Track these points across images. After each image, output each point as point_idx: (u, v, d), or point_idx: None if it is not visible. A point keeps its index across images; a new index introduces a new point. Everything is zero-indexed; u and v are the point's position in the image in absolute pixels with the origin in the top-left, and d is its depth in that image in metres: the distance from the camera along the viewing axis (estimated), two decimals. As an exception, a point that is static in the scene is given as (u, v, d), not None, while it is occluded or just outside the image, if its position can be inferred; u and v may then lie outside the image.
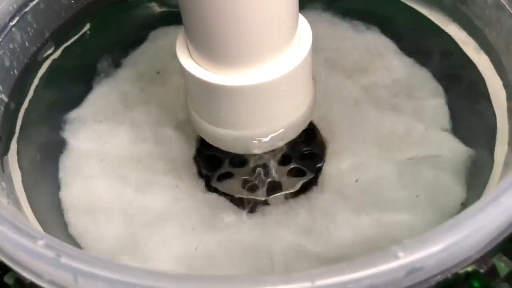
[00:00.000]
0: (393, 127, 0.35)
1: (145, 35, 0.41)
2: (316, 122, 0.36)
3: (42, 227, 0.29)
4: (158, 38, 0.41)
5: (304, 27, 0.31)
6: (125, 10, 0.40)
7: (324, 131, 0.36)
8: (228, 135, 0.31)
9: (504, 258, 0.22)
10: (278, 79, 0.29)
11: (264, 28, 0.27)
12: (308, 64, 0.31)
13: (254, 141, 0.32)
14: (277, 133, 0.32)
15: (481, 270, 0.21)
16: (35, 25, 0.35)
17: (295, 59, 0.29)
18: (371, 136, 0.35)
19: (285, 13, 0.28)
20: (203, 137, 0.34)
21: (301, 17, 0.31)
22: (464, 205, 0.30)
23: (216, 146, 0.33)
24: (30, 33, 0.35)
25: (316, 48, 0.36)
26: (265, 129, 0.31)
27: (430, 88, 0.37)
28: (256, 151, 0.33)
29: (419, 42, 0.39)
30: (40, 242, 0.20)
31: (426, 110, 0.36)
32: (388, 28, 0.40)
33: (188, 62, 0.30)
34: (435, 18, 0.38)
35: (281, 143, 0.33)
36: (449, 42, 0.36)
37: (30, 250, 0.20)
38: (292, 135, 0.33)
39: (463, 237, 0.20)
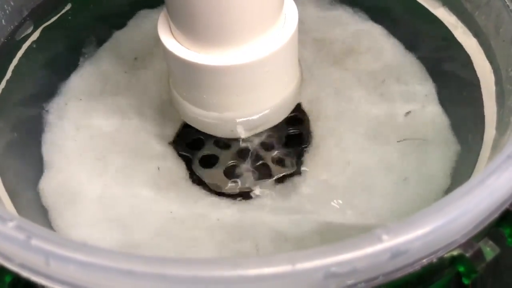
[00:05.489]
0: (380, 112, 0.34)
1: (128, 15, 0.40)
2: (302, 106, 0.35)
3: (18, 212, 0.28)
4: (142, 18, 0.39)
5: (290, 8, 0.30)
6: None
7: (310, 116, 0.35)
8: (211, 117, 0.31)
9: (490, 242, 0.21)
10: (261, 59, 0.28)
11: (247, 6, 0.27)
12: (293, 45, 0.30)
13: (238, 124, 0.31)
14: (261, 116, 0.31)
15: (467, 255, 0.20)
16: (12, 3, 0.34)
17: (280, 40, 0.29)
18: (358, 121, 0.34)
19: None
20: (186, 119, 0.33)
21: (287, -3, 0.30)
22: (448, 192, 0.30)
23: (199, 129, 0.32)
24: (7, 11, 0.34)
25: (303, 31, 0.36)
26: (249, 111, 0.31)
27: (418, 73, 0.36)
28: (240, 134, 0.32)
29: (408, 26, 0.38)
30: (10, 224, 0.20)
31: (414, 94, 0.35)
32: (376, 11, 0.39)
33: (170, 41, 0.29)
34: (424, 1, 0.37)
35: (266, 127, 0.32)
36: (438, 25, 0.36)
37: (0, 232, 0.19)
38: (277, 118, 0.32)
39: (448, 220, 0.19)
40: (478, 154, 0.29)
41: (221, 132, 0.32)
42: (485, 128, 0.30)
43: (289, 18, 0.30)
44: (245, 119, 0.31)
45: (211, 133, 0.32)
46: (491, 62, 0.32)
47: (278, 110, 0.32)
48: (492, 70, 0.32)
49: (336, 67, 0.37)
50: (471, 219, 0.20)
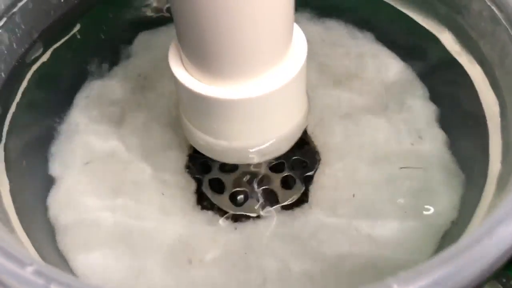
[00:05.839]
0: (385, 138, 0.35)
1: (137, 34, 0.40)
2: (308, 132, 0.36)
3: (30, 239, 0.29)
4: (149, 40, 0.40)
5: (299, 38, 0.30)
6: (116, 10, 0.39)
7: (316, 140, 0.35)
8: (220, 145, 0.31)
9: (498, 285, 0.22)
10: (271, 93, 0.28)
11: (259, 42, 0.27)
12: (302, 77, 0.30)
13: (246, 153, 0.31)
14: (270, 145, 0.31)
15: (474, 300, 0.21)
16: (23, 26, 0.34)
17: (289, 73, 0.29)
18: (363, 147, 0.35)
19: (281, 27, 0.27)
20: (194, 145, 0.33)
21: (296, 28, 0.30)
22: (455, 223, 0.30)
23: (208, 155, 0.33)
24: (18, 34, 0.34)
25: (308, 55, 0.36)
26: (258, 141, 0.31)
27: (422, 99, 0.36)
28: (248, 162, 0.32)
29: (413, 51, 0.38)
30: (30, 269, 0.20)
31: (418, 120, 0.35)
32: (382, 35, 0.39)
33: (180, 71, 0.29)
34: (430, 27, 0.37)
35: (274, 155, 0.32)
36: (443, 52, 0.36)
37: (19, 276, 0.20)
38: (285, 147, 0.33)
39: (457, 270, 0.20)
40: (483, 187, 0.29)
41: (229, 159, 0.32)
42: (489, 161, 0.30)
43: (298, 48, 0.30)
44: (254, 148, 0.31)
45: (219, 160, 0.33)
46: (496, 93, 0.32)
47: (286, 138, 0.32)
48: (497, 102, 0.32)
49: (341, 91, 0.38)
50: (479, 267, 0.20)
